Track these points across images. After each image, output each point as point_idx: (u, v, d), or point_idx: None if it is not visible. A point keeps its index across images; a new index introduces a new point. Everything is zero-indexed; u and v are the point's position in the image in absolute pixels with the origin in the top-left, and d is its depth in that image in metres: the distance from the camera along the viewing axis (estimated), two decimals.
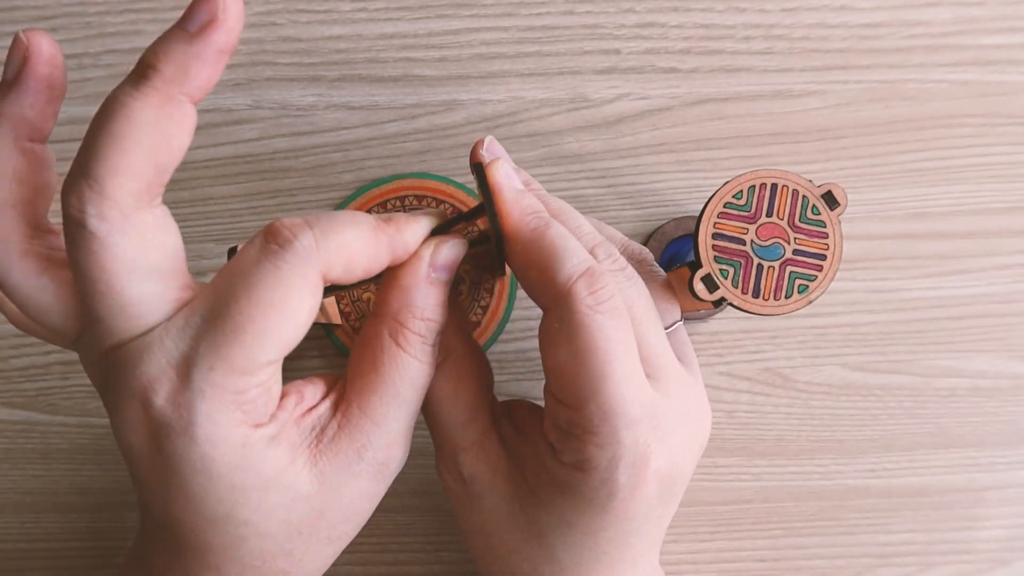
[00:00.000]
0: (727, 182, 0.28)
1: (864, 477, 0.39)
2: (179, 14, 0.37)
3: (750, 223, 0.28)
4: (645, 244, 0.37)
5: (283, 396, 0.24)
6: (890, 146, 0.38)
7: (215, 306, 0.21)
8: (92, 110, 0.37)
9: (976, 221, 0.39)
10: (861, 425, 0.39)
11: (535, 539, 0.27)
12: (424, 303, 0.25)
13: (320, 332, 0.37)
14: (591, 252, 0.26)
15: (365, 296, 0.37)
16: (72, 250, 0.21)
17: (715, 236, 0.28)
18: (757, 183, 0.28)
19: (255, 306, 0.21)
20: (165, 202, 0.39)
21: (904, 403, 0.39)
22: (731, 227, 0.28)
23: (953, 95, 0.39)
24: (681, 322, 0.29)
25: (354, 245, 0.23)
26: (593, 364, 0.23)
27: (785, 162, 0.38)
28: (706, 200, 0.28)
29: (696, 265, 0.28)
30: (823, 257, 0.28)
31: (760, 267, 0.28)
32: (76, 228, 0.20)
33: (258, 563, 0.24)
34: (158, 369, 0.21)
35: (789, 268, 0.28)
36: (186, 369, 0.21)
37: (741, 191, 0.28)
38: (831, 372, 0.39)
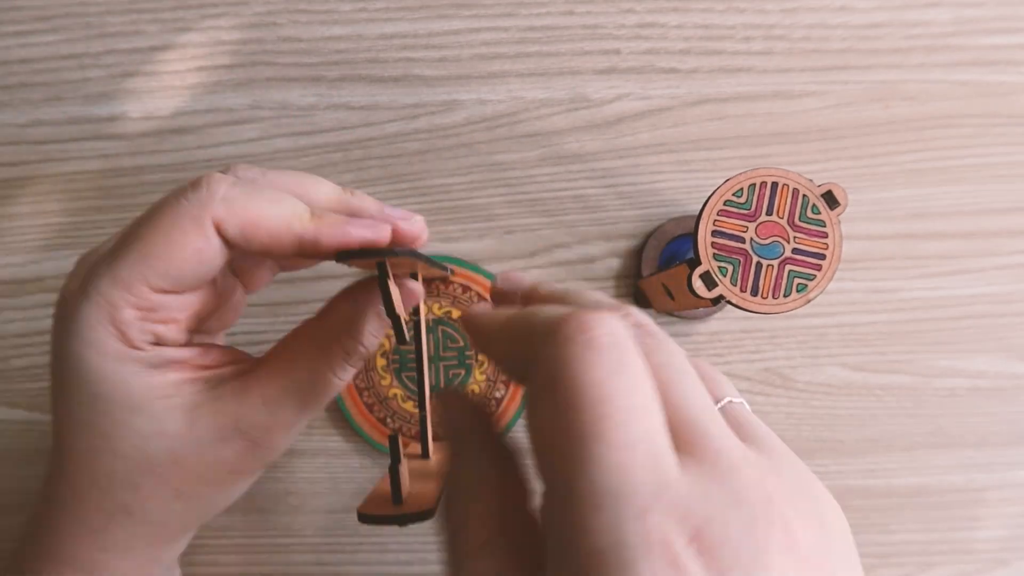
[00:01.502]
0: (727, 180, 0.28)
1: (864, 477, 0.39)
2: (179, 14, 0.37)
3: (750, 221, 0.28)
4: (644, 244, 0.37)
5: (192, 345, 0.25)
6: (890, 146, 0.38)
7: (125, 232, 0.24)
8: (92, 110, 0.37)
9: (976, 221, 0.39)
10: (861, 425, 0.39)
11: None
12: (370, 330, 0.26)
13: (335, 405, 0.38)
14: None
15: (384, 383, 0.37)
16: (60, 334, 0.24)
17: (714, 234, 0.28)
18: (757, 181, 0.28)
19: (145, 228, 0.23)
20: None
21: (904, 403, 0.39)
22: (731, 225, 0.28)
23: (953, 95, 0.39)
24: (742, 402, 0.20)
25: (263, 219, 0.23)
26: (582, 419, 0.16)
27: (785, 162, 0.38)
28: (706, 198, 0.28)
29: (695, 262, 0.28)
30: (822, 256, 0.28)
31: (759, 265, 0.28)
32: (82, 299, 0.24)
33: (104, 483, 0.25)
34: (78, 282, 0.24)
35: (788, 267, 0.28)
36: (89, 277, 0.24)
37: (741, 189, 0.28)
38: (831, 372, 0.39)
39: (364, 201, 0.26)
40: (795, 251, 0.28)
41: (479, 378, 0.37)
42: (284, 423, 0.25)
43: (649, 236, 0.38)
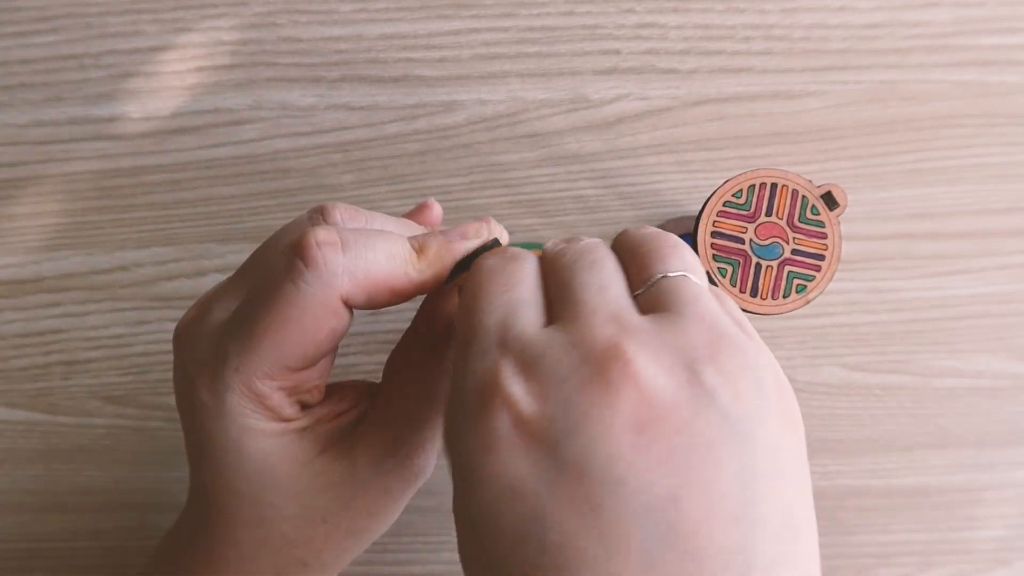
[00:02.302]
0: (727, 180, 0.28)
1: (864, 477, 0.39)
2: (179, 14, 0.37)
3: (749, 222, 0.28)
4: None
5: (330, 397, 0.25)
6: (890, 146, 0.38)
7: (244, 307, 0.23)
8: (92, 110, 0.37)
9: (976, 221, 0.39)
10: (861, 425, 0.39)
11: None
12: None
13: None
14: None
15: None
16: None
17: (714, 235, 0.28)
18: (757, 182, 0.28)
19: (273, 319, 0.22)
20: (166, 202, 0.39)
21: (904, 403, 0.39)
22: (730, 226, 0.28)
23: (952, 95, 0.39)
24: (683, 274, 0.21)
25: (384, 280, 0.23)
26: (473, 292, 0.21)
27: (785, 162, 0.38)
28: (706, 199, 0.28)
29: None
30: (821, 257, 0.28)
31: (758, 266, 0.28)
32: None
33: (277, 544, 0.24)
34: (204, 355, 0.23)
35: (787, 268, 0.28)
36: (221, 363, 0.23)
37: (741, 190, 0.28)
38: (831, 372, 0.39)
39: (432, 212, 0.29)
40: (794, 252, 0.28)
41: None
42: (431, 437, 0.26)
43: None
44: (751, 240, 0.28)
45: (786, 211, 0.28)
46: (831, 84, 0.38)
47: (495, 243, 0.25)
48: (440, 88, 0.38)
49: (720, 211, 0.28)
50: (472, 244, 0.25)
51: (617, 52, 0.38)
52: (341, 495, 0.24)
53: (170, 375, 0.37)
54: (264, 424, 0.23)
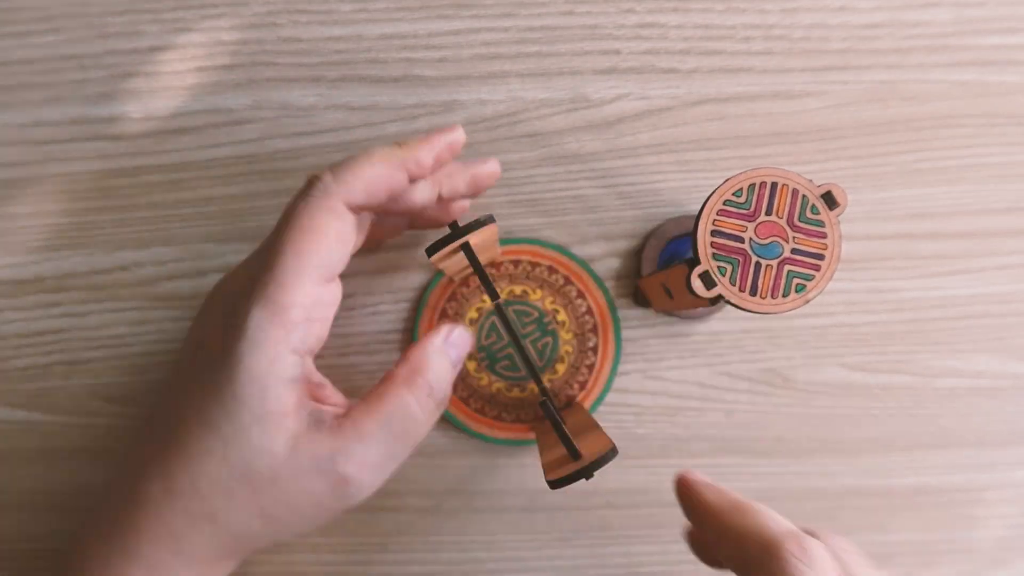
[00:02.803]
0: (727, 179, 0.28)
1: (864, 477, 0.39)
2: (179, 15, 0.37)
3: (749, 221, 0.28)
4: (644, 244, 0.37)
5: (321, 385, 0.29)
6: (890, 146, 0.38)
7: (268, 240, 0.28)
8: (92, 111, 0.37)
9: (976, 221, 0.39)
10: (861, 425, 0.39)
11: None
12: (437, 365, 0.29)
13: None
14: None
15: (483, 383, 0.38)
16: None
17: (714, 233, 0.28)
18: (757, 181, 0.28)
19: (291, 230, 0.27)
20: (166, 202, 0.39)
21: (904, 403, 0.39)
22: (730, 225, 0.28)
23: (952, 95, 0.39)
24: None
25: (369, 173, 0.28)
26: None
27: (785, 162, 0.38)
28: (706, 197, 0.28)
29: (694, 262, 0.28)
30: (821, 257, 0.28)
31: (758, 265, 0.28)
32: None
33: (203, 486, 0.26)
34: (242, 283, 0.27)
35: (787, 267, 0.28)
36: (254, 286, 0.26)
37: (741, 189, 0.28)
38: (831, 372, 0.39)
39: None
40: (794, 251, 0.28)
41: (566, 337, 0.38)
42: (375, 462, 0.27)
43: (649, 236, 0.38)
44: (751, 239, 0.28)
45: (786, 210, 0.28)
46: (831, 84, 0.38)
47: (489, 218, 0.31)
48: (440, 88, 0.38)
49: (720, 210, 0.28)
50: (452, 136, 0.30)
51: (617, 52, 0.38)
52: (273, 467, 0.26)
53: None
54: (271, 346, 0.26)
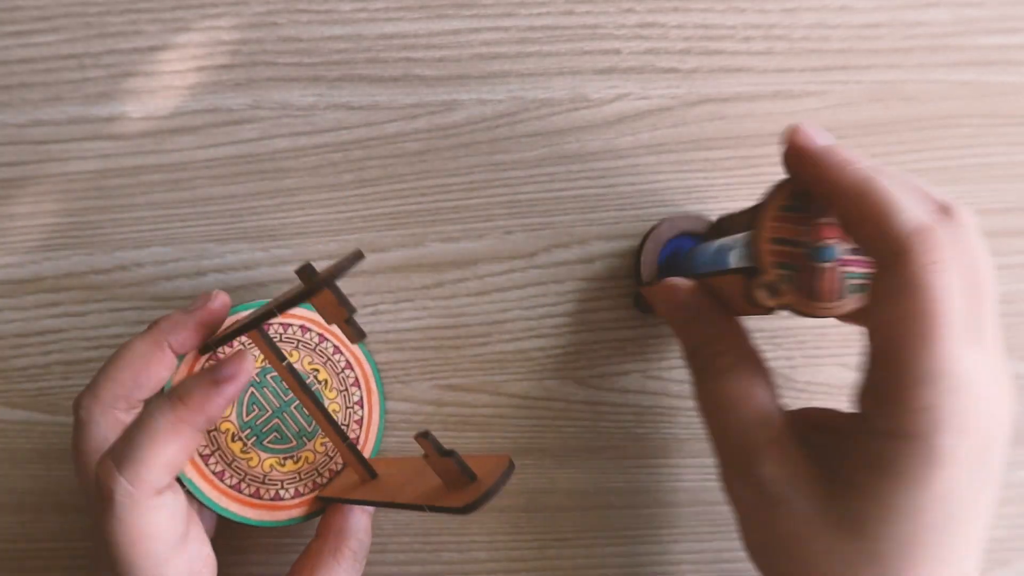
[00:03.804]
0: (780, 184, 0.27)
1: None
2: (179, 14, 0.37)
3: (806, 224, 0.27)
4: (641, 246, 0.37)
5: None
6: (890, 146, 0.38)
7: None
8: (92, 110, 0.37)
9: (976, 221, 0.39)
10: None
11: (851, 534, 0.24)
12: (359, 526, 0.32)
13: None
14: (927, 205, 0.24)
15: (252, 463, 0.34)
16: (73, 439, 0.31)
17: (773, 240, 0.27)
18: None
19: (129, 549, 0.27)
20: (165, 202, 0.39)
21: None
22: (786, 229, 0.27)
23: (953, 95, 0.39)
24: None
25: (166, 459, 0.27)
26: (924, 324, 0.22)
27: None
28: (759, 203, 0.27)
29: (752, 271, 0.27)
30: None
31: (817, 269, 0.27)
32: (76, 420, 0.31)
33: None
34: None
35: (845, 268, 0.27)
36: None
37: (796, 196, 0.27)
38: (831, 372, 0.39)
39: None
40: (851, 252, 0.27)
41: (331, 396, 0.35)
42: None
43: (646, 237, 0.38)
44: (809, 242, 0.27)
45: None
46: (831, 84, 0.38)
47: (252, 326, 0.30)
48: (440, 88, 0.38)
49: (776, 216, 0.27)
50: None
51: (617, 52, 0.38)
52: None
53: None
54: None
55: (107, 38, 0.38)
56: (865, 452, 0.24)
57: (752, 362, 0.28)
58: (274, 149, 0.38)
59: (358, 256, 0.27)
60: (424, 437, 0.28)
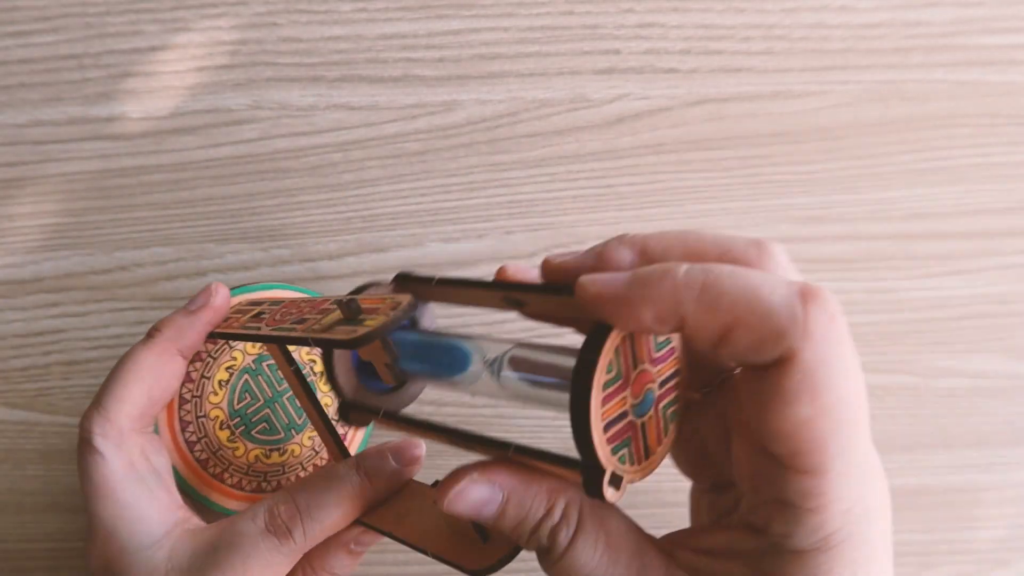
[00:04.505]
0: (591, 362, 0.20)
1: None
2: (179, 15, 0.37)
3: (624, 390, 0.21)
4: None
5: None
6: (890, 146, 0.38)
7: (209, 558, 0.26)
8: (92, 110, 0.37)
9: (976, 221, 0.39)
10: None
11: None
12: (338, 562, 0.30)
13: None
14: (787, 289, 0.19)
15: (239, 453, 0.33)
16: (81, 465, 0.28)
17: (604, 428, 0.21)
18: (619, 342, 0.21)
19: (106, 492, 0.27)
20: (165, 202, 0.39)
21: (904, 403, 0.39)
22: (612, 408, 0.21)
23: (953, 95, 0.39)
24: None
25: (336, 523, 0.27)
26: (847, 415, 0.19)
27: (785, 162, 0.38)
28: (576, 400, 0.20)
29: (594, 469, 0.21)
30: (679, 372, 0.23)
31: (643, 425, 0.22)
32: (85, 445, 0.28)
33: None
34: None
35: (661, 404, 0.23)
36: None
37: (611, 363, 0.21)
38: None
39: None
40: (662, 384, 0.22)
41: (325, 389, 0.34)
42: None
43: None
44: (632, 405, 0.22)
45: (645, 349, 0.22)
46: (831, 84, 0.38)
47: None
48: (440, 88, 0.38)
49: (601, 400, 0.21)
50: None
51: (617, 52, 0.38)
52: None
53: None
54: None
55: (107, 38, 0.38)
56: (769, 558, 0.20)
57: (603, 507, 0.22)
58: (274, 149, 0.38)
59: (413, 306, 0.24)
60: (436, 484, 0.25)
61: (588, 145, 0.38)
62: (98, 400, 0.28)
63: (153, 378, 0.29)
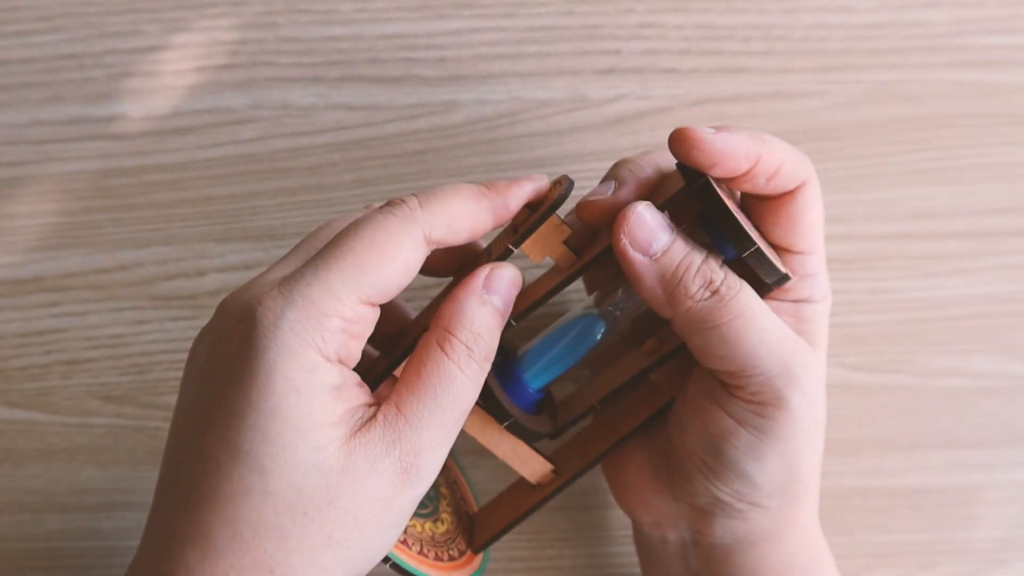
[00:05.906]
0: (710, 184, 0.26)
1: (864, 477, 0.39)
2: (179, 14, 0.37)
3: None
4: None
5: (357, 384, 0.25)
6: (890, 146, 0.38)
7: (328, 245, 0.25)
8: (92, 110, 0.37)
9: (976, 221, 0.39)
10: (861, 425, 0.39)
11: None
12: (474, 317, 0.25)
13: None
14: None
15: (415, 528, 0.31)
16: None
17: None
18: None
19: (359, 241, 0.24)
20: (166, 202, 0.39)
21: (904, 403, 0.39)
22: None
23: (953, 95, 0.39)
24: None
25: (456, 209, 0.25)
26: (739, 327, 0.26)
27: None
28: (702, 180, 0.26)
29: (746, 250, 0.26)
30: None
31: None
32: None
33: (248, 534, 0.22)
34: (266, 285, 0.24)
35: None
36: (289, 284, 0.24)
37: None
38: (831, 372, 0.39)
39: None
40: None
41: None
42: (432, 443, 0.25)
43: None
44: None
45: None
46: (831, 84, 0.38)
47: (570, 185, 0.27)
48: (440, 88, 0.38)
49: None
50: (539, 184, 0.28)
51: (617, 52, 0.38)
52: (329, 485, 0.23)
53: (169, 375, 0.37)
54: (307, 353, 0.23)
55: (107, 38, 0.38)
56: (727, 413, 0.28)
57: None
58: (274, 149, 0.38)
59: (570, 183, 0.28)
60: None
61: (587, 145, 0.38)
62: (286, 269, 0.25)
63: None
